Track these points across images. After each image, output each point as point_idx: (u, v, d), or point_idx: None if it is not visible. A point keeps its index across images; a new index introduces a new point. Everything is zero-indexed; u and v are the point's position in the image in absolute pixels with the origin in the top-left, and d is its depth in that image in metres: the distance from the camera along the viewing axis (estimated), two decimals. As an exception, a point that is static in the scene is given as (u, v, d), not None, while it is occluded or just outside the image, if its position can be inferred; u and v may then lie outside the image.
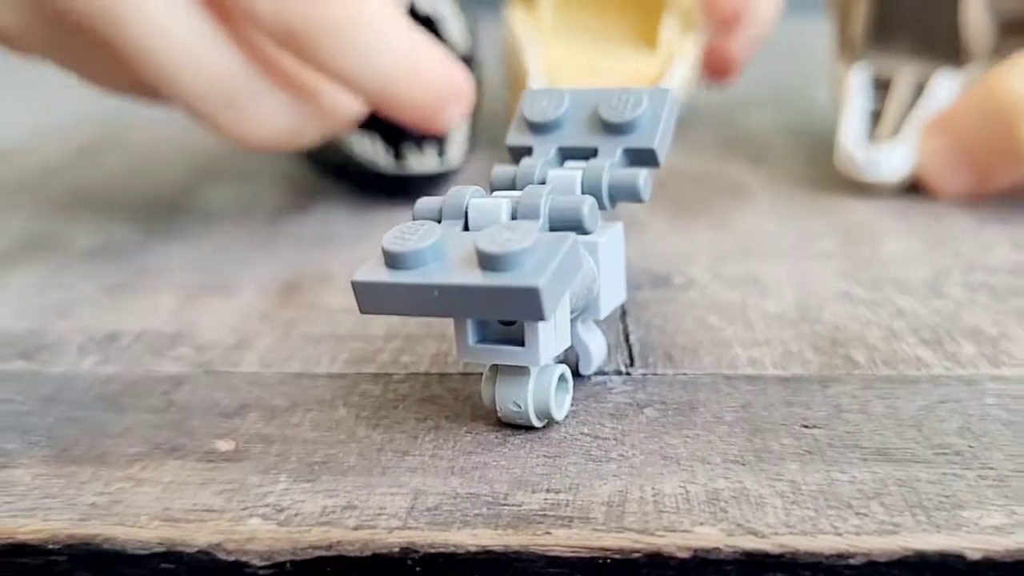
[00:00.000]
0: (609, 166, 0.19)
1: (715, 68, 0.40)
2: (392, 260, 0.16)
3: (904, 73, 0.34)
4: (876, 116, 0.33)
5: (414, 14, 0.31)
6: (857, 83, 0.34)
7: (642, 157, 0.19)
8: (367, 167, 0.30)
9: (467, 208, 0.17)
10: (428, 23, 0.31)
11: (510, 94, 0.37)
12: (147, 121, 0.46)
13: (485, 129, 0.37)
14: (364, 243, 0.28)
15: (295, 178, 0.36)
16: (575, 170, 0.19)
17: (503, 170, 0.20)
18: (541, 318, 0.15)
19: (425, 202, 0.18)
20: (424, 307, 0.16)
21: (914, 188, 0.31)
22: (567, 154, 0.20)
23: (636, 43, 0.36)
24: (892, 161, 0.31)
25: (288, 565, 0.15)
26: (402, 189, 0.31)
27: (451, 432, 0.18)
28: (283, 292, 0.25)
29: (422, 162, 0.30)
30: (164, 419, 0.19)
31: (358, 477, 0.17)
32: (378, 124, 0.31)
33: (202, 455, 0.18)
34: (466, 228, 0.17)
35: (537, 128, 0.20)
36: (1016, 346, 0.21)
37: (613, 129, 0.19)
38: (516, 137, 0.20)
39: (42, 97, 0.54)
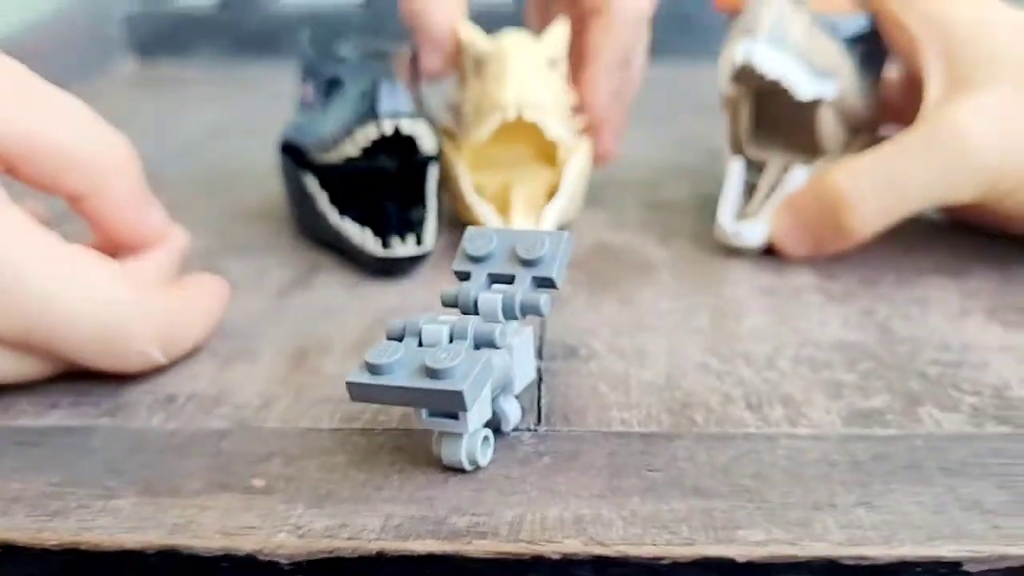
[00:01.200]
0: (521, 291, 0.28)
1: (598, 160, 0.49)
2: (372, 369, 0.24)
3: (774, 162, 0.43)
4: (752, 189, 0.43)
5: (397, 134, 0.39)
6: (734, 172, 0.43)
7: (545, 283, 0.28)
8: (360, 250, 0.39)
9: (420, 331, 0.26)
10: (409, 140, 0.40)
11: (449, 192, 0.46)
12: (172, 181, 0.54)
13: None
14: (355, 317, 0.37)
15: (298, 251, 0.44)
16: (498, 294, 0.28)
17: (448, 290, 0.28)
18: (465, 409, 0.24)
19: (394, 324, 0.26)
20: (392, 399, 0.24)
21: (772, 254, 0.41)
22: (494, 279, 0.29)
23: (537, 161, 0.46)
24: (752, 232, 0.41)
25: (304, 564, 0.24)
26: (388, 268, 0.40)
27: (412, 473, 0.27)
28: (294, 360, 0.34)
29: (404, 248, 0.39)
30: (216, 463, 0.28)
31: (349, 504, 0.26)
32: (367, 217, 0.40)
33: (243, 489, 0.26)
34: (420, 344, 0.26)
35: (474, 259, 0.29)
36: (813, 410, 0.30)
37: (526, 263, 0.28)
38: (459, 264, 0.29)
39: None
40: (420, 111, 0.40)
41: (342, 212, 0.41)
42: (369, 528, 0.25)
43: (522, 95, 0.41)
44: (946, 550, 0.24)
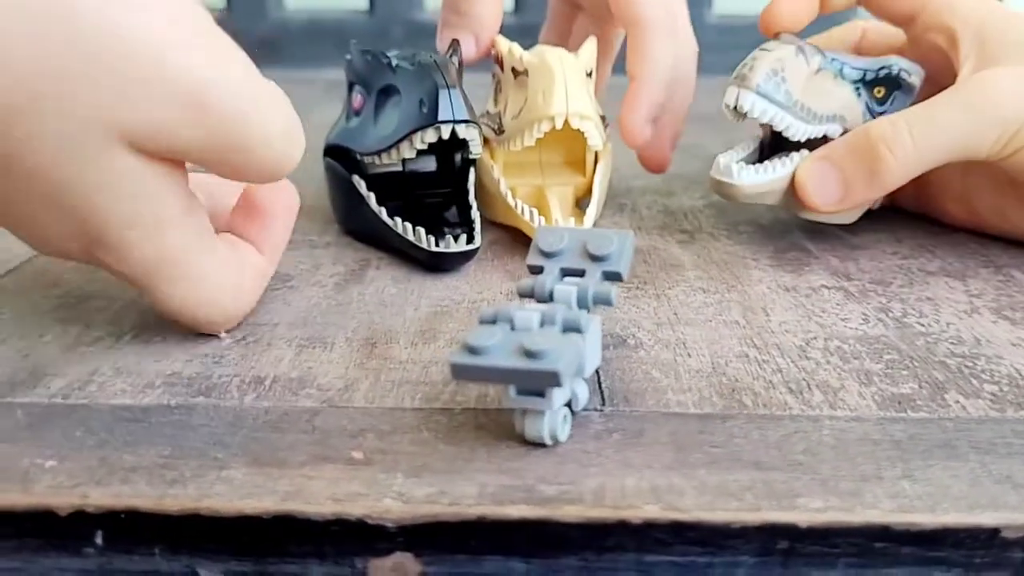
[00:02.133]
0: (593, 284, 0.30)
1: (651, 167, 0.52)
2: (473, 350, 0.27)
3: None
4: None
5: (455, 136, 0.42)
6: (760, 134, 0.47)
7: (612, 276, 0.31)
8: (415, 247, 0.42)
9: (513, 317, 0.28)
10: (463, 143, 0.43)
11: (481, 194, 0.49)
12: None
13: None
14: (411, 309, 0.40)
15: (345, 247, 0.47)
16: (572, 286, 0.30)
17: (525, 282, 0.31)
18: (559, 386, 0.27)
19: (487, 311, 0.29)
20: (492, 378, 0.27)
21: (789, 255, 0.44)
22: (565, 272, 0.31)
23: (565, 166, 0.50)
24: (740, 174, 0.44)
25: (410, 527, 0.27)
26: (441, 264, 0.43)
27: (496, 447, 0.29)
28: (364, 347, 0.36)
29: (457, 244, 0.42)
30: (313, 438, 0.30)
31: (445, 475, 0.28)
32: (411, 215, 0.43)
33: (345, 461, 0.29)
34: (512, 328, 0.28)
35: (546, 255, 0.32)
36: (849, 395, 0.33)
37: (595, 259, 0.31)
38: (533, 259, 0.32)
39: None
40: (475, 117, 0.43)
41: (389, 211, 0.44)
42: (467, 495, 0.27)
43: (570, 106, 0.44)
44: (986, 518, 0.27)
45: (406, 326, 0.38)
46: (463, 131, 0.41)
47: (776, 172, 0.44)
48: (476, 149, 0.43)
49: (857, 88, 0.46)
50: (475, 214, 0.44)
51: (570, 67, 0.45)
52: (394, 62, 0.44)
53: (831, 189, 0.44)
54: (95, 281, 0.42)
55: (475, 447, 0.30)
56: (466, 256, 0.43)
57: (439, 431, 0.30)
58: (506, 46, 0.48)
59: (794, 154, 0.45)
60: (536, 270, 0.32)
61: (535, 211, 0.45)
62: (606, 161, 0.49)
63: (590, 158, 0.48)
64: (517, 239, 0.47)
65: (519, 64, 0.47)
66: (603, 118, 0.49)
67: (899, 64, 0.47)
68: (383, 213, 0.44)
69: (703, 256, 0.46)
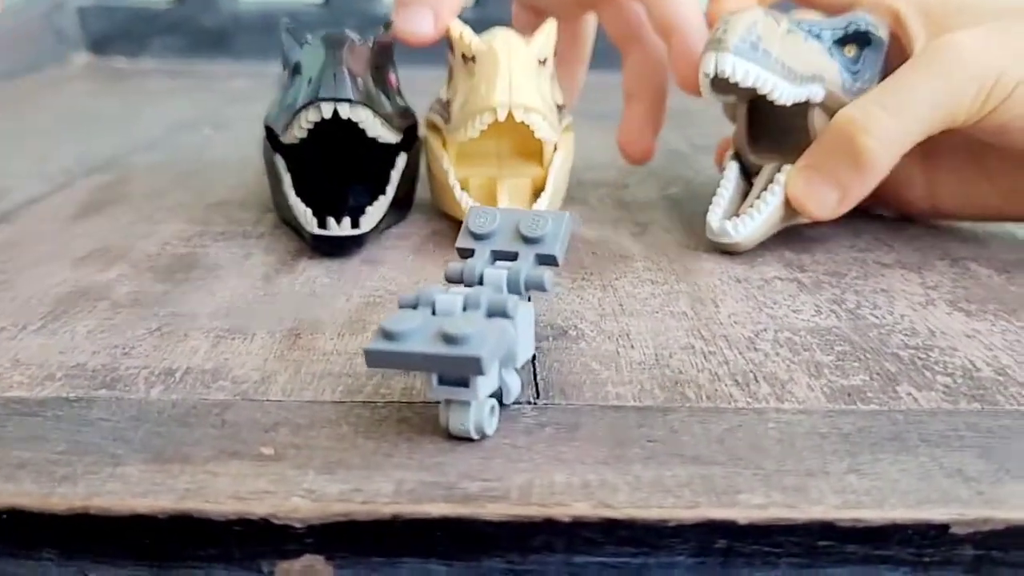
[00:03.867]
0: (525, 267, 0.28)
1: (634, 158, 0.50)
2: (389, 336, 0.25)
3: (768, 166, 0.44)
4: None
5: (336, 117, 0.40)
6: (730, 173, 0.44)
7: (547, 260, 0.29)
8: (301, 228, 0.41)
9: (434, 301, 0.26)
10: (353, 125, 0.41)
11: (432, 183, 0.47)
12: (140, 171, 0.54)
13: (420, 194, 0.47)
14: (342, 299, 0.37)
15: (279, 237, 0.45)
16: (502, 270, 0.28)
17: (453, 266, 0.29)
18: (482, 374, 0.25)
19: (406, 295, 0.27)
20: (410, 364, 0.25)
21: (754, 256, 0.42)
22: (497, 255, 0.29)
23: (523, 156, 0.47)
24: (739, 229, 0.42)
25: (319, 527, 0.25)
26: (323, 247, 0.42)
27: (419, 442, 0.27)
28: (287, 338, 0.34)
29: (339, 228, 0.41)
30: (222, 432, 0.28)
31: (361, 471, 0.26)
32: (314, 195, 0.41)
33: (254, 457, 0.27)
34: (433, 313, 0.26)
35: (477, 237, 0.30)
36: (797, 388, 0.31)
37: (529, 241, 0.29)
38: (463, 242, 0.30)
39: (38, 144, 0.62)
40: (369, 99, 0.41)
41: (300, 193, 0.42)
42: (382, 492, 0.25)
43: (513, 96, 0.42)
44: (935, 513, 0.25)
45: (334, 317, 0.36)
46: (346, 111, 0.40)
47: (768, 209, 0.42)
48: (375, 132, 0.41)
49: (829, 49, 0.44)
50: (379, 201, 0.42)
51: (518, 54, 0.43)
52: (306, 39, 0.42)
53: (826, 195, 0.42)
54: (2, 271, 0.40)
55: (396, 442, 0.27)
56: (353, 241, 0.41)
57: (359, 425, 0.28)
58: (458, 30, 0.46)
59: (773, 185, 0.43)
60: (466, 253, 0.30)
61: (475, 203, 0.43)
62: (564, 153, 0.46)
63: (547, 149, 0.46)
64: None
65: (468, 50, 0.45)
66: (560, 107, 0.47)
67: (865, 19, 0.44)
68: (290, 193, 0.42)
69: (654, 248, 0.44)
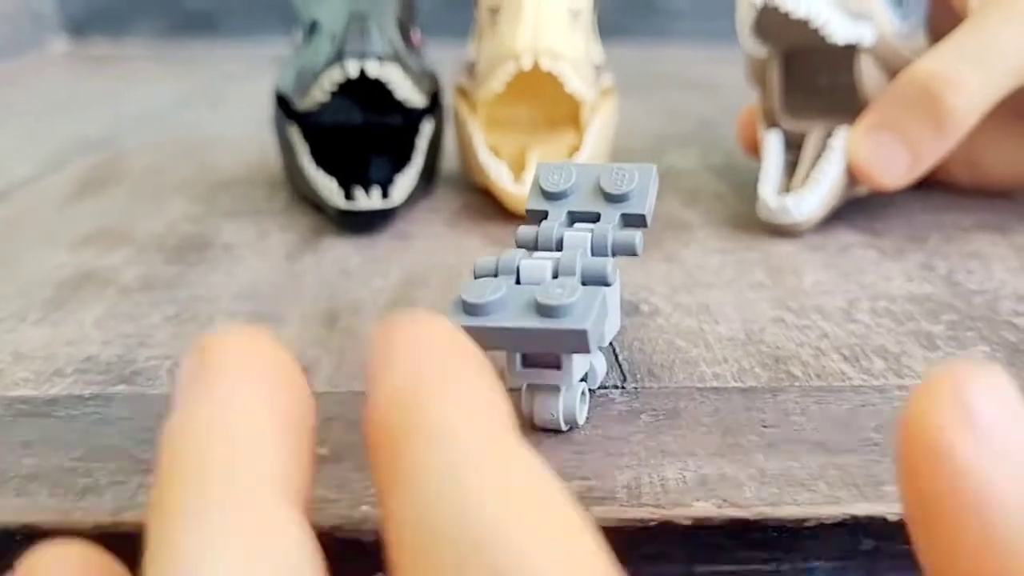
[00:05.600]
0: (611, 229, 0.24)
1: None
2: (471, 309, 0.21)
3: (815, 131, 0.40)
4: (793, 167, 0.40)
5: (364, 78, 0.36)
6: (772, 144, 0.40)
7: (634, 221, 0.25)
8: (326, 202, 0.36)
9: (519, 267, 0.22)
10: (379, 86, 0.37)
11: (461, 153, 0.43)
12: (136, 150, 0.50)
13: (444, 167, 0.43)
14: (377, 277, 0.33)
15: (295, 214, 0.40)
16: (585, 232, 0.24)
17: (526, 230, 0.25)
18: (587, 351, 0.21)
19: (484, 261, 0.23)
20: (498, 342, 0.21)
21: (824, 226, 0.38)
22: (575, 217, 0.25)
23: (558, 123, 0.42)
24: (800, 205, 0.37)
25: (393, 539, 0.21)
26: (351, 222, 0.37)
27: (497, 436, 0.23)
28: (324, 321, 0.30)
29: (368, 200, 0.36)
30: (265, 430, 0.24)
31: (435, 472, 0.22)
32: (335, 167, 0.37)
33: (307, 458, 0.23)
34: (517, 282, 0.22)
35: (551, 196, 0.25)
36: (914, 361, 0.27)
37: (612, 199, 0.25)
38: (534, 203, 0.26)
39: (24, 125, 0.57)
40: (398, 56, 0.37)
41: (320, 164, 0.38)
42: (466, 496, 0.21)
43: (537, 41, 0.38)
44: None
45: (374, 297, 0.32)
46: (375, 69, 0.35)
47: (828, 180, 0.37)
48: (404, 93, 0.37)
49: None
50: (408, 171, 0.38)
51: (547, 0, 0.39)
52: None
53: (897, 159, 0.36)
54: (-1, 256, 0.35)
55: (471, 435, 0.23)
56: (383, 215, 0.37)
57: (424, 417, 0.24)
58: None
59: (829, 152, 0.38)
60: (537, 215, 0.26)
61: (507, 169, 0.39)
62: (604, 117, 0.42)
63: (584, 112, 0.41)
64: (493, 202, 0.41)
65: (494, 1, 0.40)
66: (599, 68, 0.43)
67: None
68: (309, 165, 0.38)
69: (711, 216, 0.40)
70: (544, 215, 0.26)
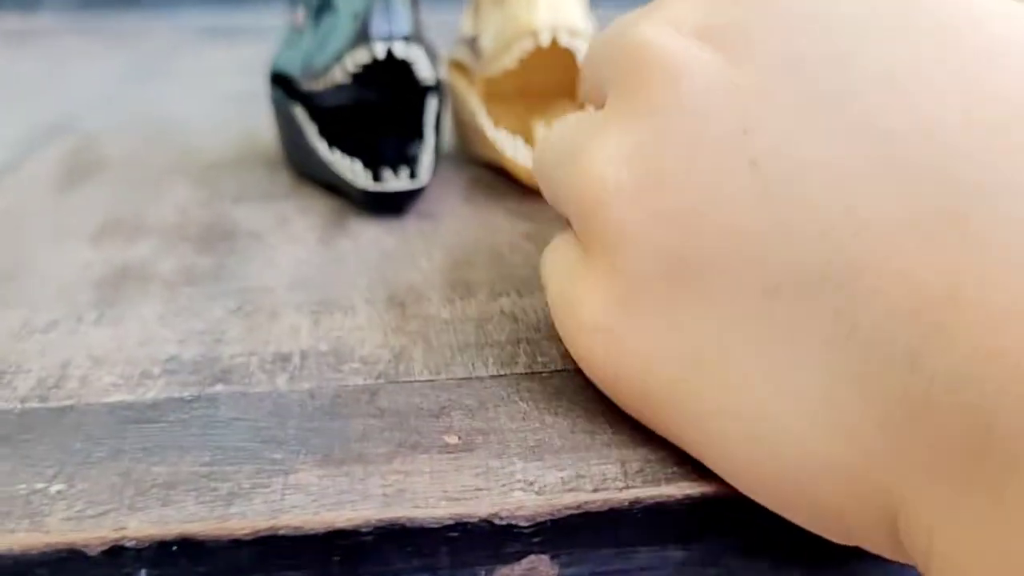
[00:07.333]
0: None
1: None
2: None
3: None
4: None
5: (391, 58, 0.36)
6: None
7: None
8: (350, 185, 0.36)
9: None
10: (404, 65, 0.37)
11: (459, 129, 0.43)
12: (106, 132, 0.48)
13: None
14: (421, 258, 0.33)
15: (306, 196, 0.40)
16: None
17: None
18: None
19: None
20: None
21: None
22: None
23: (558, 96, 0.43)
24: None
25: (548, 524, 0.21)
26: (379, 204, 0.37)
27: (617, 414, 0.24)
28: (392, 307, 0.30)
29: (397, 181, 0.36)
30: (385, 423, 0.24)
31: (570, 455, 0.23)
32: (361, 151, 0.37)
33: (441, 448, 0.23)
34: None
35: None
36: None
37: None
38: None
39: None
40: (419, 35, 0.37)
41: (333, 145, 0.38)
42: (610, 476, 0.22)
43: (557, 17, 0.38)
44: None
45: (429, 279, 0.32)
46: (402, 50, 0.35)
47: None
48: (424, 73, 0.37)
49: None
50: (426, 148, 0.38)
51: None
52: None
53: None
54: (16, 253, 0.34)
55: (591, 417, 0.24)
56: (410, 196, 0.37)
57: (538, 400, 0.25)
58: None
59: None
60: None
61: (521, 143, 0.40)
62: None
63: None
64: (501, 175, 0.42)
65: None
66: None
67: None
68: (322, 147, 0.37)
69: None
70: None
